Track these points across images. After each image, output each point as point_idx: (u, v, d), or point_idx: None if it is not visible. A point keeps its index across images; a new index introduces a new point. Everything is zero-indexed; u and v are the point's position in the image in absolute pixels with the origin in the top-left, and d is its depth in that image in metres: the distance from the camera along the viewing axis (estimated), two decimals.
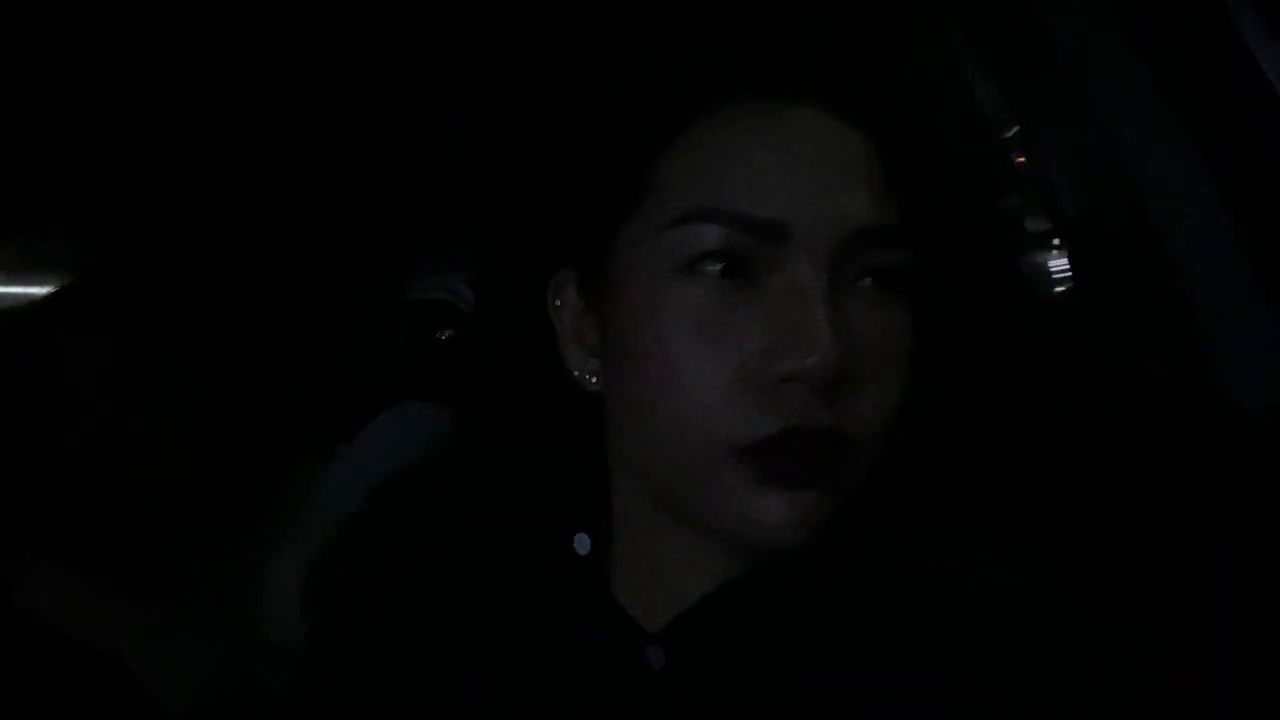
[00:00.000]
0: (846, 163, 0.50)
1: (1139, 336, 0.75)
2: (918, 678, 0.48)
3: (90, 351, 0.92)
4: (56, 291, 1.00)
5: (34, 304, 0.98)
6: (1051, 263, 0.94)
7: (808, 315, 0.47)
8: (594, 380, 0.56)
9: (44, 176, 1.25)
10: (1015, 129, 0.87)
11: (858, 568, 0.53)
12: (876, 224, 0.49)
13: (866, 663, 0.50)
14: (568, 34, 1.06)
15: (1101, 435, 0.77)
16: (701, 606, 0.53)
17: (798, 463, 0.47)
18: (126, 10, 1.07)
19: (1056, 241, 0.95)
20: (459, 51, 1.15)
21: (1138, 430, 0.73)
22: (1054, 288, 0.95)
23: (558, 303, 0.57)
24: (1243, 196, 0.65)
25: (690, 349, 0.48)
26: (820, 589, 0.52)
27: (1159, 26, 0.69)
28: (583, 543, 0.57)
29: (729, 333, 0.48)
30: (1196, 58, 0.67)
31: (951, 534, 0.54)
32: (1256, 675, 0.50)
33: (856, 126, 0.50)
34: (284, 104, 1.23)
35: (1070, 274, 0.83)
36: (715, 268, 0.48)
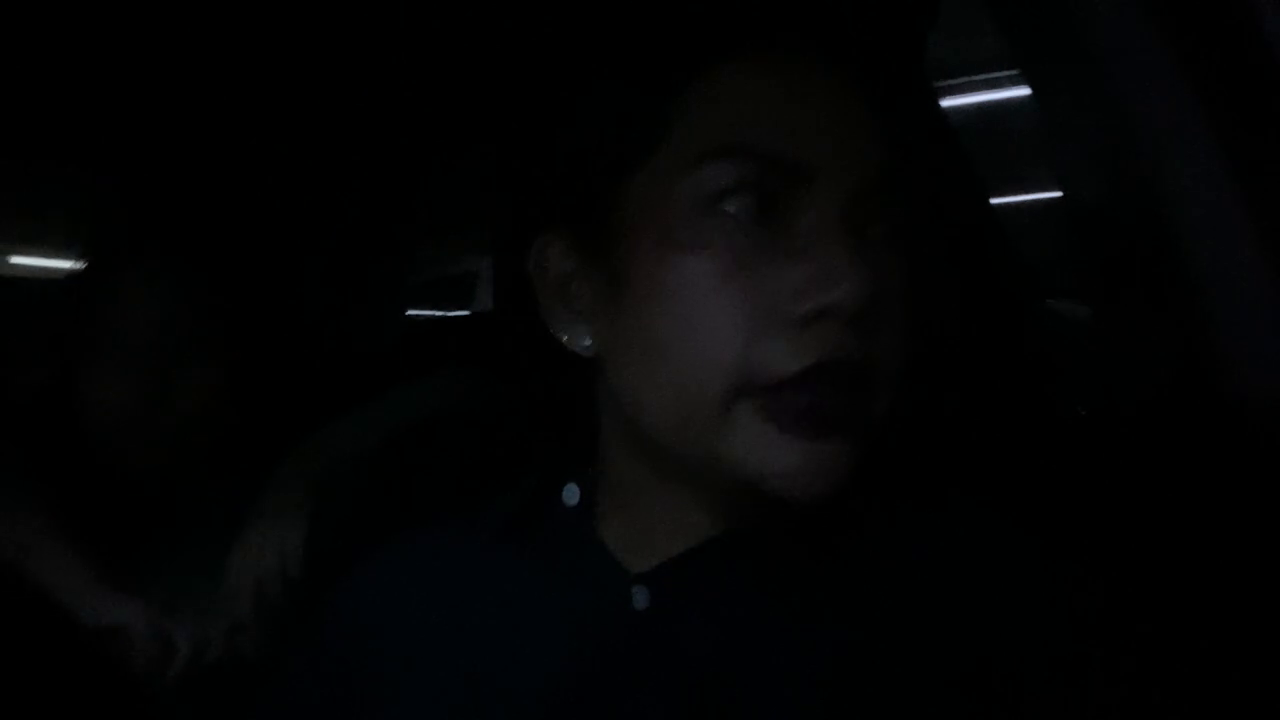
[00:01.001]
0: (865, 111, 0.51)
1: (1148, 326, 0.76)
2: (894, 637, 0.49)
3: (148, 302, 0.94)
4: (107, 242, 1.01)
5: (84, 258, 0.99)
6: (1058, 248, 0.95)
7: (836, 251, 0.47)
8: (587, 343, 0.56)
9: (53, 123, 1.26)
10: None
11: (845, 528, 0.54)
12: (891, 170, 0.50)
13: (845, 618, 0.51)
14: None
15: (1109, 427, 0.78)
16: (690, 554, 0.54)
17: (825, 402, 0.47)
18: None
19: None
20: None
21: (1146, 422, 0.74)
22: (1061, 275, 0.96)
23: (542, 268, 0.57)
24: (1259, 192, 0.66)
25: (716, 287, 0.48)
26: (805, 546, 0.53)
27: (1181, 15, 0.69)
28: (571, 493, 0.59)
29: (755, 271, 0.48)
30: (1218, 48, 0.67)
31: (941, 503, 0.55)
32: (1261, 666, 0.51)
33: (871, 82, 0.52)
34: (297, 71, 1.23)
35: (1080, 261, 0.84)
36: (739, 205, 0.49)
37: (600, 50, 0.59)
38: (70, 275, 1.00)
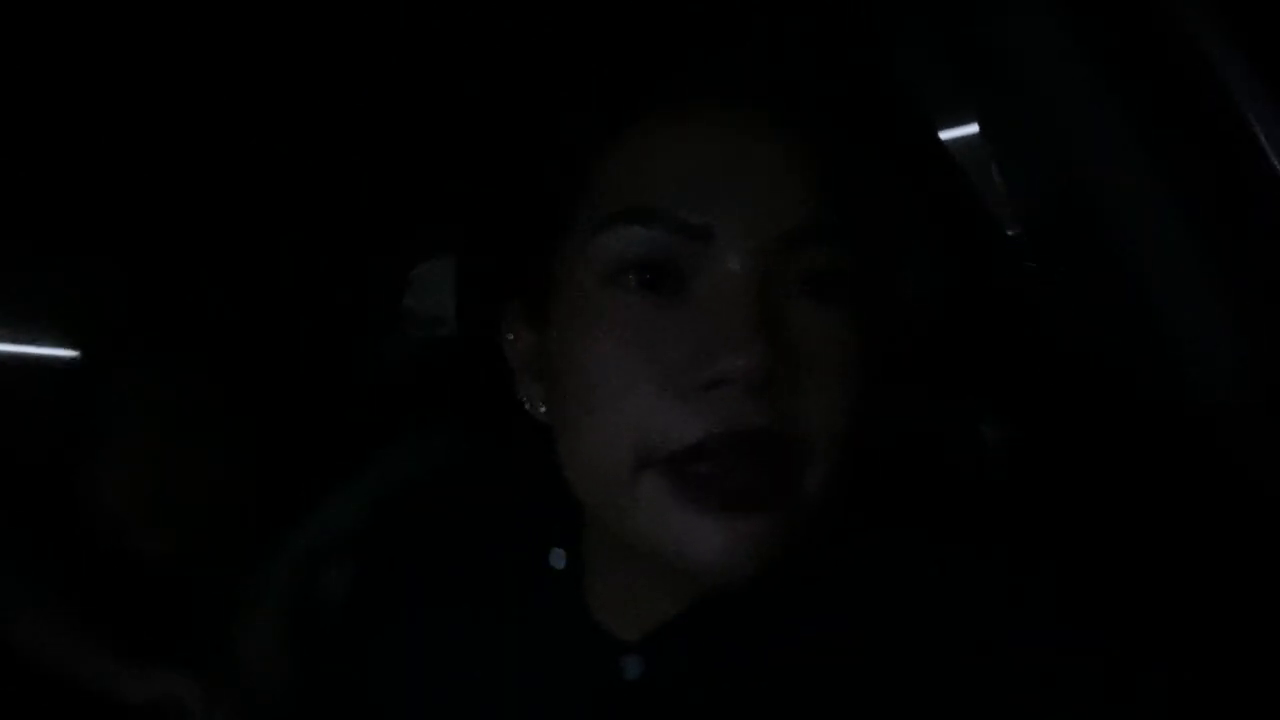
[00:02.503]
0: (781, 164, 0.48)
1: (1100, 335, 0.77)
2: (892, 692, 0.48)
3: (141, 394, 0.95)
4: (98, 337, 1.03)
5: (77, 353, 1.00)
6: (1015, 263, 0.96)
7: (733, 316, 0.45)
8: (541, 409, 0.55)
9: (48, 212, 1.27)
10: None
11: (835, 581, 0.52)
12: (810, 224, 0.47)
13: (841, 677, 0.50)
14: (503, 42, 1.06)
15: (1069, 435, 0.79)
16: (679, 620, 0.53)
17: (731, 473, 0.45)
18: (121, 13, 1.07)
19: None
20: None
21: (1103, 429, 0.75)
22: (1019, 288, 0.97)
23: (510, 336, 0.57)
24: (1197, 198, 0.66)
25: (616, 360, 0.47)
26: (798, 602, 0.52)
27: (1110, 31, 0.70)
28: (558, 558, 0.58)
29: (656, 342, 0.47)
30: (1149, 60, 0.68)
31: (929, 546, 0.53)
32: (1227, 669, 0.51)
33: (796, 129, 0.50)
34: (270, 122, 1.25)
35: (1035, 275, 0.85)
36: (640, 271, 0.47)
37: (517, 120, 0.58)
38: (68, 363, 1.01)
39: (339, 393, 1.36)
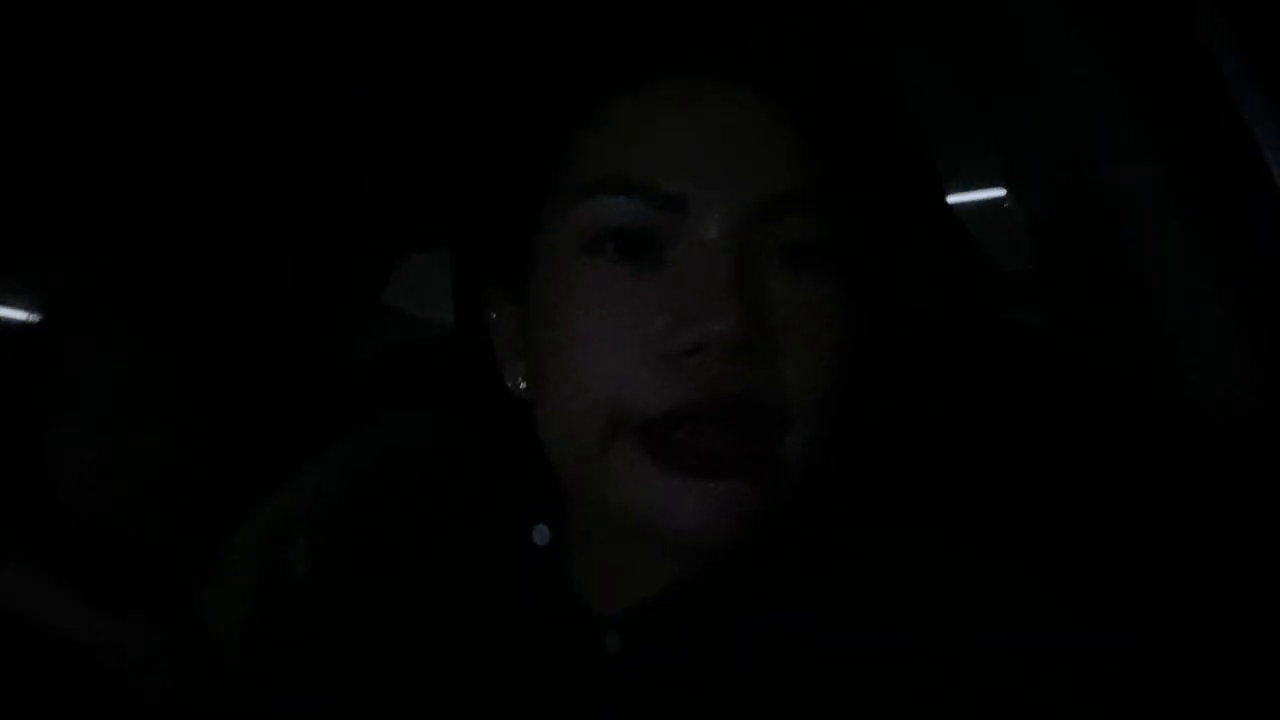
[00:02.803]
0: (759, 134, 0.48)
1: (1102, 335, 0.77)
2: (872, 675, 0.48)
3: (105, 364, 0.92)
4: (62, 302, 0.99)
5: (40, 318, 0.97)
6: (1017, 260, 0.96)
7: (709, 283, 0.45)
8: (522, 385, 0.55)
9: (28, 178, 1.25)
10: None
11: (819, 562, 0.52)
12: (788, 192, 0.47)
13: (822, 659, 0.49)
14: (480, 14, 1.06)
15: (1066, 432, 0.79)
16: (661, 596, 0.53)
17: (707, 440, 0.45)
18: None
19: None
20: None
21: (1102, 427, 0.75)
22: (1019, 287, 0.97)
23: (493, 314, 0.57)
24: (1204, 201, 0.66)
25: (595, 329, 0.47)
26: (782, 583, 0.52)
27: (1124, 36, 0.70)
28: (541, 534, 0.58)
29: (634, 310, 0.47)
30: (1160, 65, 0.68)
31: (917, 534, 0.53)
32: (1221, 665, 0.51)
33: (779, 100, 0.50)
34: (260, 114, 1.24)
35: (1037, 273, 0.84)
36: (617, 241, 0.47)
37: (495, 92, 0.58)
38: (28, 330, 0.98)
39: (318, 370, 1.34)
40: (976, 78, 0.81)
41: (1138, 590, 0.55)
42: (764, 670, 0.50)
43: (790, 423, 0.46)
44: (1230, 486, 0.65)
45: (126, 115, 1.21)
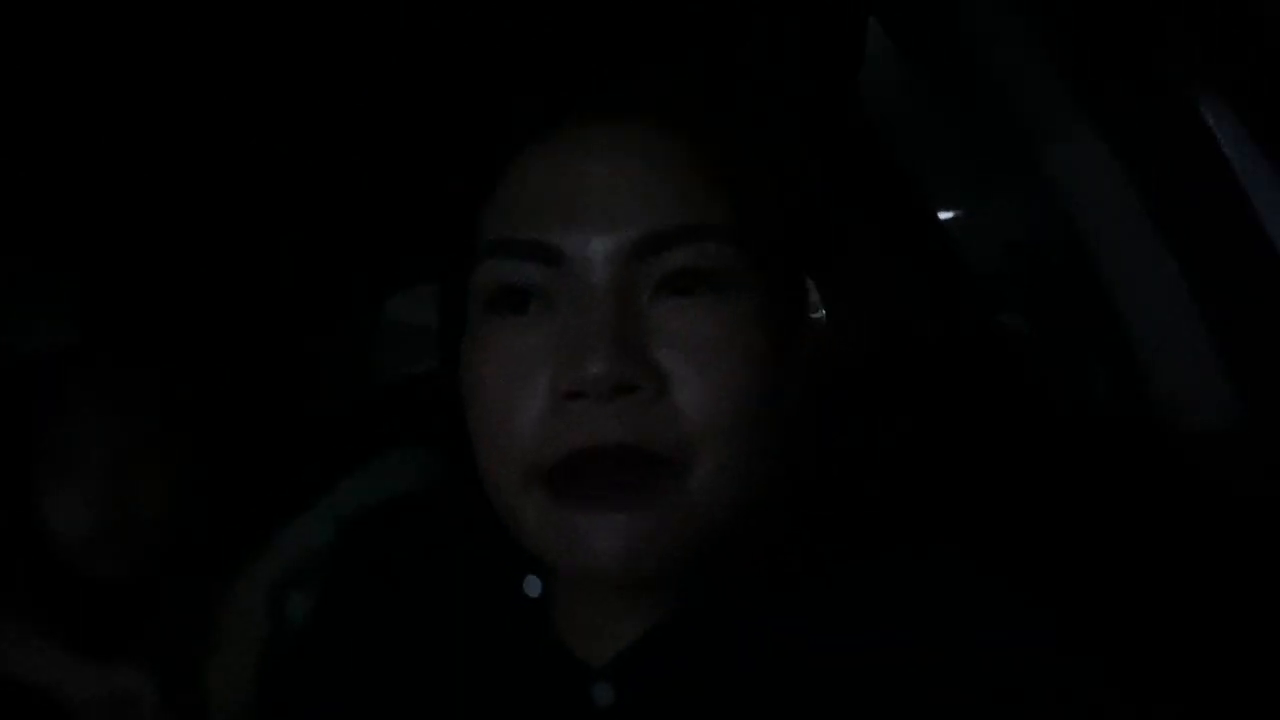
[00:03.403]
0: (644, 174, 0.49)
1: (1078, 355, 0.77)
2: (865, 708, 0.48)
3: (92, 418, 0.92)
4: (48, 354, 1.00)
5: (26, 370, 0.98)
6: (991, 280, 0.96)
7: (585, 328, 0.47)
8: None
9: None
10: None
11: (805, 596, 0.52)
12: (665, 229, 0.48)
13: (813, 694, 0.50)
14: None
15: (1040, 452, 0.79)
16: (644, 642, 0.53)
17: (606, 483, 0.46)
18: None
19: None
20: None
21: (1078, 447, 0.75)
22: (993, 306, 0.97)
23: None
24: (1174, 219, 0.67)
25: (496, 384, 0.49)
26: (767, 619, 0.52)
27: (1088, 54, 0.70)
28: (533, 585, 0.58)
29: (527, 363, 0.48)
30: (1125, 79, 0.68)
31: (903, 563, 0.53)
32: (1199, 680, 0.51)
33: (671, 135, 0.51)
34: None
35: (1011, 292, 0.85)
36: (511, 298, 0.49)
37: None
38: (17, 378, 0.98)
39: (308, 414, 1.34)
40: (949, 96, 0.81)
41: (1115, 604, 0.56)
42: (756, 709, 0.50)
43: (688, 461, 0.47)
44: (1205, 501, 0.65)
45: (116, 133, 1.20)
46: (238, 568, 0.86)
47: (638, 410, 0.46)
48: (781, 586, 0.53)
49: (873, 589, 0.52)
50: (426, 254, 1.36)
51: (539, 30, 0.56)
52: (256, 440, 1.09)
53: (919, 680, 0.48)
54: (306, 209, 1.34)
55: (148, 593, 0.93)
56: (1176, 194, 0.67)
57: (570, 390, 0.46)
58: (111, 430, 0.92)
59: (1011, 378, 0.93)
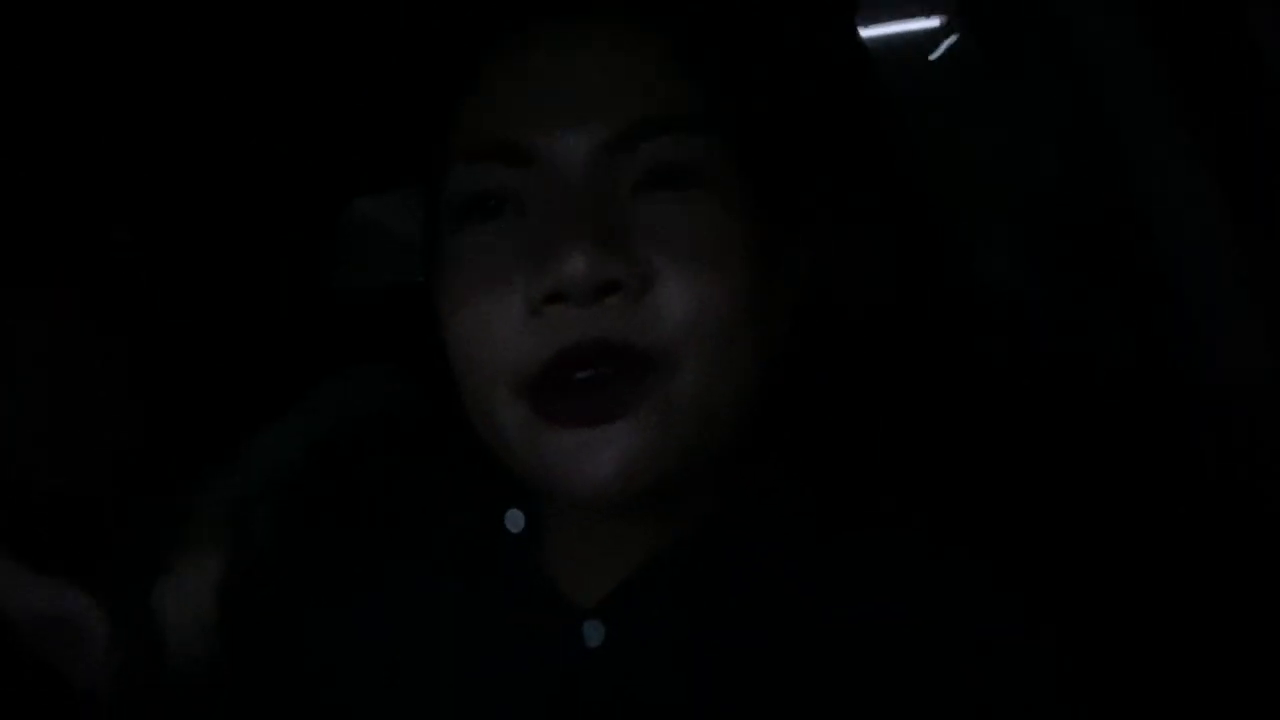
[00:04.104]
0: (620, 63, 0.48)
1: (1107, 316, 0.74)
2: (855, 655, 0.47)
3: (27, 327, 0.86)
4: None
5: None
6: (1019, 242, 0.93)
7: (559, 227, 0.44)
8: None
9: None
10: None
11: (799, 540, 0.51)
12: (654, 114, 0.46)
13: (805, 636, 0.48)
14: None
15: (1066, 419, 0.77)
16: (635, 579, 0.51)
17: (580, 389, 0.45)
18: None
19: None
20: None
21: (1106, 415, 0.73)
22: (1021, 268, 0.94)
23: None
24: (1233, 184, 0.63)
25: (468, 297, 0.47)
26: (760, 560, 0.51)
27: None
28: (515, 520, 0.55)
29: (499, 271, 0.46)
30: (1195, 37, 0.65)
31: (898, 516, 0.52)
32: (1226, 664, 0.50)
33: (650, 22, 0.49)
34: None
35: (1040, 252, 0.82)
36: (481, 204, 0.47)
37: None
38: None
39: (269, 324, 1.29)
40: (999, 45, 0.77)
41: (1115, 591, 0.54)
42: (748, 652, 0.49)
43: (674, 361, 0.45)
44: (1241, 482, 0.64)
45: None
46: (196, 484, 0.81)
47: (621, 310, 0.44)
48: (774, 528, 0.51)
49: (868, 538, 0.51)
50: (388, 158, 1.32)
51: None
52: (211, 349, 1.04)
53: (906, 628, 0.47)
54: (264, 105, 1.26)
55: (98, 512, 0.88)
56: (1237, 155, 0.63)
57: (549, 293, 0.44)
58: (51, 338, 0.86)
59: (1012, 340, 0.91)
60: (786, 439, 0.54)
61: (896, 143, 1.00)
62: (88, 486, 0.86)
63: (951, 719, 0.45)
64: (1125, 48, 0.65)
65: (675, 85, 0.47)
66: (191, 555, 0.71)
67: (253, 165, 1.36)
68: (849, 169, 0.96)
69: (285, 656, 0.59)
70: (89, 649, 0.72)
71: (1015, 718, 0.45)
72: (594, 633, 0.51)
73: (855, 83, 1.00)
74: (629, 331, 0.44)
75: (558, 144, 0.46)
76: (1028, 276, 0.94)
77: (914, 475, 0.59)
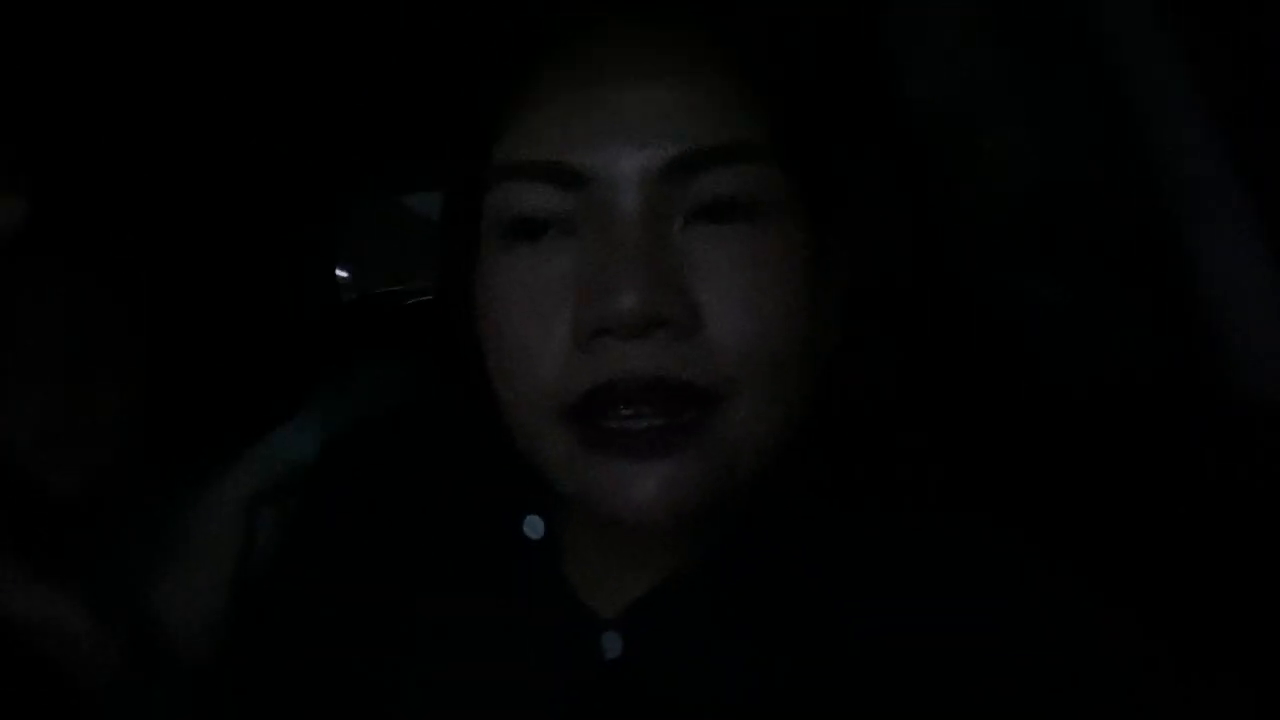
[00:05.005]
0: (679, 90, 0.46)
1: (1140, 317, 0.73)
2: (881, 665, 0.46)
3: (41, 315, 0.85)
4: None
5: None
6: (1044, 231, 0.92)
7: (613, 258, 0.44)
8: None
9: None
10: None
11: (821, 550, 0.50)
12: (710, 145, 0.45)
13: (830, 653, 0.48)
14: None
15: (1097, 420, 0.76)
16: (658, 592, 0.50)
17: (628, 423, 0.44)
18: None
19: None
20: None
21: (1137, 416, 0.72)
22: (1047, 263, 0.93)
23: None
24: (1262, 177, 0.62)
25: (513, 320, 0.46)
26: (782, 573, 0.50)
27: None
28: (534, 526, 0.55)
29: (547, 296, 0.46)
30: (1223, 31, 0.64)
31: (921, 520, 0.51)
32: (1257, 668, 0.49)
33: (710, 47, 0.47)
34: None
35: (1065, 247, 0.81)
36: (529, 225, 0.46)
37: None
38: None
39: (279, 320, 1.28)
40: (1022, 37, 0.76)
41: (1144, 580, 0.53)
42: (766, 670, 0.48)
43: (724, 395, 0.44)
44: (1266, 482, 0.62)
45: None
46: (206, 482, 0.80)
47: (669, 345, 0.43)
48: (800, 539, 0.50)
49: (893, 548, 0.50)
50: (421, 165, 1.31)
51: None
52: (223, 346, 1.03)
53: (931, 642, 0.46)
54: (288, 107, 1.25)
55: (103, 513, 0.87)
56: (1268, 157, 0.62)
57: (599, 328, 0.43)
58: (63, 324, 0.85)
59: (1039, 345, 0.89)
60: (814, 444, 0.53)
61: (924, 145, 0.99)
62: (95, 485, 0.85)
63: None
64: (1153, 46, 0.64)
65: (733, 112, 0.46)
66: (199, 555, 0.71)
67: (266, 163, 1.36)
68: (880, 174, 0.96)
69: (296, 657, 0.58)
70: (81, 654, 0.71)
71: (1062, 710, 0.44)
72: (613, 644, 0.50)
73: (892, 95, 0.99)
74: (677, 367, 0.44)
75: (611, 169, 0.45)
76: (1053, 283, 0.93)
77: (940, 479, 0.58)
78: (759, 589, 0.50)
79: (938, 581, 0.48)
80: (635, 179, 0.45)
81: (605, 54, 0.48)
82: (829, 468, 0.53)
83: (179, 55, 1.14)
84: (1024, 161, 0.85)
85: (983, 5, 0.82)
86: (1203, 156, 0.63)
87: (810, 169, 0.48)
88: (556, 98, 0.47)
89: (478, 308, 0.49)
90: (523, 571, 0.54)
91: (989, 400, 0.82)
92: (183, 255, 1.07)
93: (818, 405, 0.50)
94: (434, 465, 0.64)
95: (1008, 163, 0.83)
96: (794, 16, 0.54)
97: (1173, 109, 0.64)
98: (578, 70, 0.47)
